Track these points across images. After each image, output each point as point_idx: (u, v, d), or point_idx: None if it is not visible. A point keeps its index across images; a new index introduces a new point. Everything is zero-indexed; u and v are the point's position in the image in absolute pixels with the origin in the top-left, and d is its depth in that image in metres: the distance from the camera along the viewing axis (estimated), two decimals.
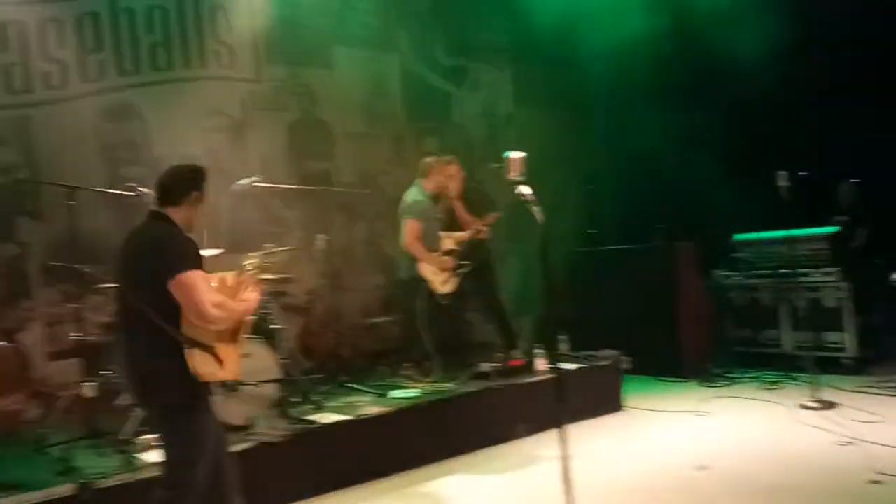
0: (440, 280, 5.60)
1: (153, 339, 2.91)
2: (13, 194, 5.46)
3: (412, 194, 5.74)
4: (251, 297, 3.17)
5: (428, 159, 5.92)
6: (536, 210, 3.17)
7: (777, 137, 6.93)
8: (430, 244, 5.64)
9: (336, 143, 7.08)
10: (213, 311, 2.90)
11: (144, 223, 3.15)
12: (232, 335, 3.10)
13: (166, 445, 3.04)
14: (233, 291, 3.17)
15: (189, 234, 3.07)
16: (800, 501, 3.78)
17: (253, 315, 3.34)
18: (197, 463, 2.97)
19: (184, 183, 3.13)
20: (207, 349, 2.94)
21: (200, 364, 2.93)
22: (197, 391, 2.99)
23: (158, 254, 2.95)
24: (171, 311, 2.89)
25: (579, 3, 6.99)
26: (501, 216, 6.05)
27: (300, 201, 6.45)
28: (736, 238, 7.17)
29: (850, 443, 4.50)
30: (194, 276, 2.90)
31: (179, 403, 2.96)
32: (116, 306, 3.16)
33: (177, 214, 3.09)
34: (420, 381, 5.39)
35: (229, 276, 3.24)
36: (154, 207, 3.14)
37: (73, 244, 4.55)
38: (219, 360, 2.98)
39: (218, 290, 3.09)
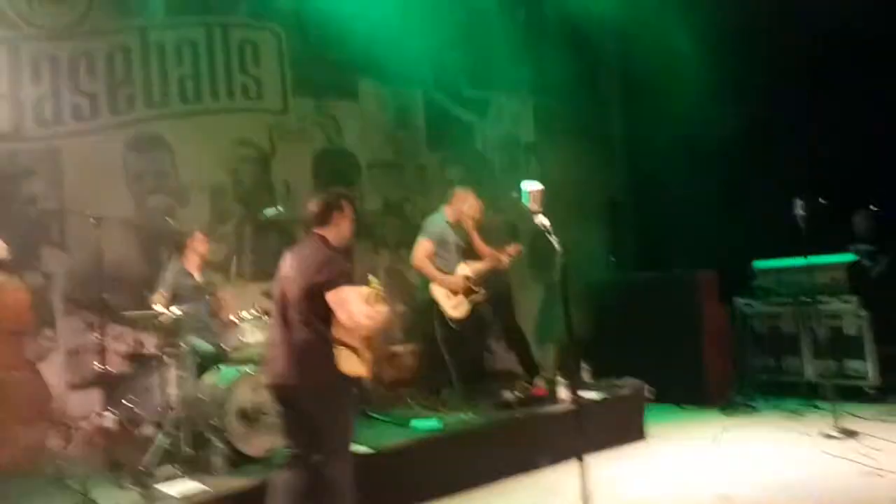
0: (451, 304, 5.62)
1: (310, 336, 3.48)
2: (40, 224, 5.55)
3: (433, 218, 5.83)
4: (382, 309, 3.62)
5: (454, 188, 6.00)
6: (555, 239, 3.20)
7: (795, 164, 6.92)
8: (448, 270, 5.67)
9: (361, 172, 7.19)
10: (363, 320, 3.44)
11: (305, 241, 3.72)
12: (367, 341, 3.63)
13: (316, 418, 3.47)
14: (367, 304, 3.61)
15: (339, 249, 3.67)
16: None
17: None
18: (343, 432, 3.55)
19: (330, 207, 3.66)
20: (351, 349, 3.50)
21: (343, 360, 3.48)
22: (341, 379, 3.50)
23: (319, 269, 3.49)
24: (325, 314, 3.46)
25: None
26: (523, 249, 6.08)
27: None
28: (756, 265, 7.14)
29: (874, 473, 4.44)
30: (348, 291, 3.47)
31: (330, 384, 3.48)
32: (276, 307, 3.65)
33: (329, 233, 3.64)
34: (441, 410, 5.38)
35: (363, 290, 3.65)
36: (311, 229, 3.68)
37: (98, 274, 4.60)
38: (359, 359, 3.53)
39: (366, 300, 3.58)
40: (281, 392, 3.58)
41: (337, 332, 3.48)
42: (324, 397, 3.48)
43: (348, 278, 3.53)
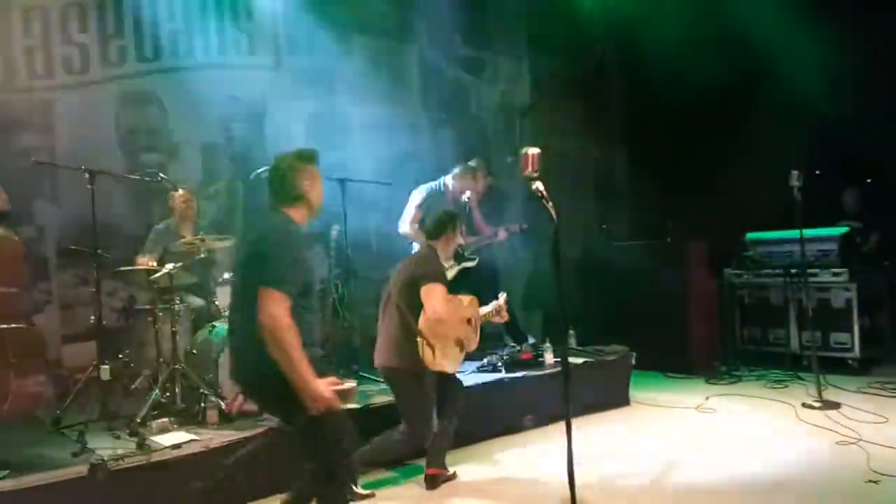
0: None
1: (401, 324, 4.07)
2: (32, 177, 5.53)
3: (429, 185, 5.81)
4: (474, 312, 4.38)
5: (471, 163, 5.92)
6: (550, 206, 3.19)
7: (796, 138, 6.92)
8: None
9: (353, 133, 7.13)
10: (442, 314, 3.98)
11: (420, 252, 4.59)
12: (457, 341, 4.21)
13: (402, 399, 4.15)
14: (465, 310, 4.32)
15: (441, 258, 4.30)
16: (799, 499, 3.82)
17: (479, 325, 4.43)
18: (426, 414, 4.09)
19: (441, 225, 4.33)
20: (429, 343, 3.99)
21: (422, 351, 3.99)
22: (422, 366, 4.01)
23: (419, 265, 4.20)
24: (414, 309, 4.03)
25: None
26: (523, 225, 6.08)
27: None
28: (748, 237, 7.18)
29: (850, 442, 4.55)
30: (440, 289, 4.06)
31: (410, 370, 4.04)
32: (382, 303, 4.29)
33: (438, 246, 4.32)
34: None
35: (465, 299, 4.36)
36: (426, 241, 4.39)
37: (91, 228, 4.60)
38: (434, 354, 4.01)
39: (453, 305, 4.20)
40: (383, 373, 4.27)
41: (421, 326, 4.00)
42: (409, 383, 4.08)
43: (444, 280, 4.12)
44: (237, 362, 3.11)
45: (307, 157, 3.14)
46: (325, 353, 3.47)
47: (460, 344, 4.26)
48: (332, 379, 2.91)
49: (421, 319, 4.03)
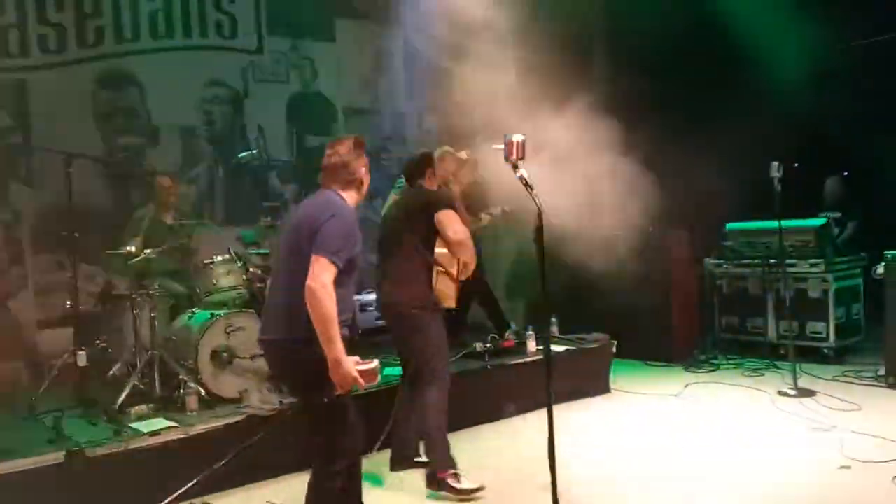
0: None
1: (413, 259, 3.91)
2: (6, 159, 5.42)
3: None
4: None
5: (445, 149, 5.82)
6: (535, 194, 3.17)
7: (774, 131, 6.98)
8: None
9: (336, 118, 7.06)
10: (463, 236, 3.83)
11: (410, 191, 4.18)
12: (454, 275, 4.01)
13: (416, 342, 3.94)
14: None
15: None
16: (774, 484, 3.88)
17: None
18: (442, 354, 3.96)
19: (420, 165, 4.13)
20: (446, 272, 3.91)
21: (439, 282, 3.91)
22: (434, 302, 3.91)
23: (427, 198, 3.99)
24: (428, 240, 3.91)
25: None
26: (503, 209, 6.02)
27: (297, 175, 6.44)
28: (728, 227, 7.24)
29: (824, 429, 4.63)
30: (453, 213, 3.89)
31: (424, 306, 3.88)
32: (386, 243, 4.10)
33: (427, 184, 4.10)
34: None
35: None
36: (413, 185, 4.13)
37: (67, 211, 4.53)
38: (453, 281, 3.95)
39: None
40: (385, 311, 4.07)
41: (437, 256, 3.91)
42: (423, 322, 3.89)
43: (454, 206, 3.98)
44: (270, 324, 3.16)
45: (364, 146, 3.28)
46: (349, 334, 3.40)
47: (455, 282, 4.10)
48: (357, 359, 2.92)
49: (437, 248, 3.93)
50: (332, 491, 3.03)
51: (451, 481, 3.84)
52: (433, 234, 3.93)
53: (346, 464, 3.06)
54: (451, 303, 4.05)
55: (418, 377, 3.98)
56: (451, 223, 3.86)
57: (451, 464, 3.91)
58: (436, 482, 3.88)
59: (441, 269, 3.96)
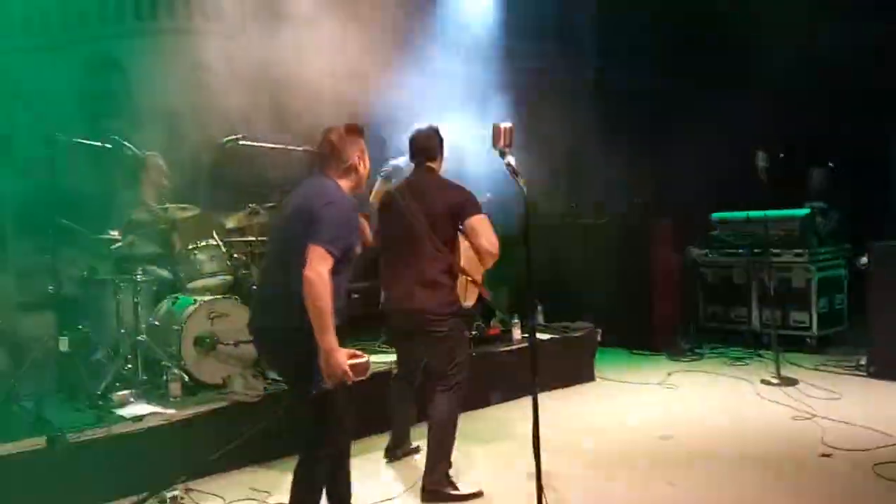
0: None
1: (437, 260, 3.65)
2: None
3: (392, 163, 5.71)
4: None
5: None
6: (522, 181, 3.16)
7: (763, 119, 7.00)
8: None
9: (322, 102, 6.98)
10: (497, 247, 3.59)
11: (419, 172, 3.82)
12: (479, 283, 3.90)
13: (443, 349, 3.72)
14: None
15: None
16: (755, 471, 3.93)
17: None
18: (467, 365, 3.79)
19: (434, 141, 3.81)
20: (471, 279, 3.76)
21: (461, 288, 3.72)
22: (459, 305, 3.74)
23: (456, 199, 3.68)
24: (453, 242, 3.70)
25: None
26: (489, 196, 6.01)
27: (283, 161, 6.37)
28: (714, 216, 7.27)
29: (806, 418, 4.68)
30: (487, 218, 3.67)
31: (454, 312, 3.70)
32: (396, 238, 3.77)
33: (436, 165, 3.82)
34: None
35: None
36: (424, 164, 3.81)
37: (50, 196, 4.47)
38: (476, 285, 3.79)
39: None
40: (407, 315, 3.74)
41: (462, 262, 3.73)
42: (451, 324, 3.69)
43: (481, 206, 3.72)
44: (262, 311, 3.14)
45: (360, 131, 3.23)
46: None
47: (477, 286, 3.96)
48: (351, 351, 2.90)
49: (464, 255, 3.72)
50: (319, 477, 3.03)
51: (448, 490, 3.68)
52: (457, 235, 3.74)
53: (334, 452, 3.06)
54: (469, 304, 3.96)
55: (438, 383, 3.78)
56: (486, 232, 3.61)
57: (447, 471, 3.74)
58: (433, 495, 3.68)
59: (469, 277, 3.78)
